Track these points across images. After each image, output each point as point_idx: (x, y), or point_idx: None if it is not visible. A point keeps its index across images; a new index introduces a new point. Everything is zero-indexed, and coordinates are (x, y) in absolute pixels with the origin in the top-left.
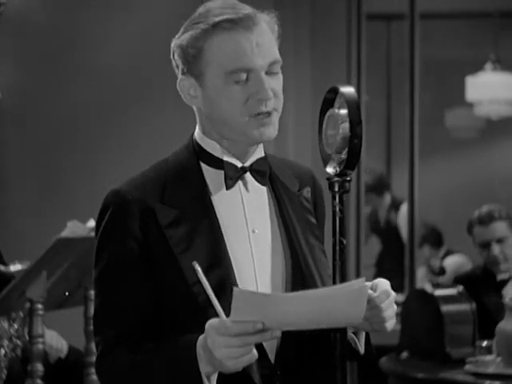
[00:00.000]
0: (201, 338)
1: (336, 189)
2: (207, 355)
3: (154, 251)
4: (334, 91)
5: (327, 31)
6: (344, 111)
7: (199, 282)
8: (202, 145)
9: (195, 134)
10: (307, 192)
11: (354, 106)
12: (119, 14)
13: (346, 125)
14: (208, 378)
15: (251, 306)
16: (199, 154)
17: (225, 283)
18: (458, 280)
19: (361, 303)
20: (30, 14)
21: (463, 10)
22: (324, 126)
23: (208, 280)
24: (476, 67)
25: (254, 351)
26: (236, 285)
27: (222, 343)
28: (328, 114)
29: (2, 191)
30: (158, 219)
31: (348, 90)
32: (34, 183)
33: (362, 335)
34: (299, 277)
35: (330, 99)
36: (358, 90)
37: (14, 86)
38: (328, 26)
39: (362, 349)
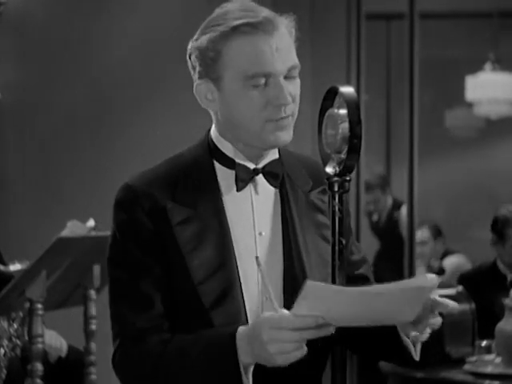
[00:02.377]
0: (241, 330)
1: (335, 189)
2: (248, 348)
3: (164, 248)
4: (334, 91)
5: (327, 31)
6: (343, 111)
7: (205, 282)
8: (217, 144)
9: (211, 131)
10: (322, 191)
11: (353, 106)
12: (119, 14)
13: (346, 125)
14: (245, 369)
15: (318, 299)
16: (213, 152)
17: (230, 285)
18: (463, 278)
19: (420, 302)
20: (29, 14)
21: (463, 10)
22: (323, 125)
23: (214, 281)
24: (475, 67)
25: (305, 347)
26: (240, 288)
27: (278, 337)
28: (327, 113)
29: (1, 190)
30: (168, 217)
31: (347, 89)
32: (34, 183)
33: (419, 342)
34: (292, 282)
35: (330, 99)
36: (358, 90)
37: (14, 85)
38: (327, 26)
39: (417, 356)
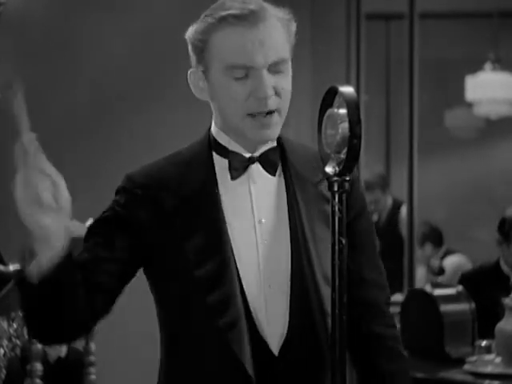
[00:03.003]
0: None
1: (335, 188)
2: None
3: (158, 237)
4: (334, 91)
5: (327, 31)
6: (343, 111)
7: (198, 267)
8: (216, 137)
9: (212, 127)
10: None
11: (353, 106)
12: (119, 14)
13: (346, 124)
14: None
15: None
16: (212, 143)
17: (223, 270)
18: (465, 277)
19: None
20: (29, 14)
21: (462, 10)
22: (323, 125)
23: (207, 264)
24: (475, 67)
25: None
26: (237, 272)
27: None
28: (327, 113)
29: (1, 190)
30: (162, 205)
31: (347, 89)
32: None
33: None
34: (299, 267)
35: (329, 99)
36: (358, 90)
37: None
38: (327, 26)
39: None
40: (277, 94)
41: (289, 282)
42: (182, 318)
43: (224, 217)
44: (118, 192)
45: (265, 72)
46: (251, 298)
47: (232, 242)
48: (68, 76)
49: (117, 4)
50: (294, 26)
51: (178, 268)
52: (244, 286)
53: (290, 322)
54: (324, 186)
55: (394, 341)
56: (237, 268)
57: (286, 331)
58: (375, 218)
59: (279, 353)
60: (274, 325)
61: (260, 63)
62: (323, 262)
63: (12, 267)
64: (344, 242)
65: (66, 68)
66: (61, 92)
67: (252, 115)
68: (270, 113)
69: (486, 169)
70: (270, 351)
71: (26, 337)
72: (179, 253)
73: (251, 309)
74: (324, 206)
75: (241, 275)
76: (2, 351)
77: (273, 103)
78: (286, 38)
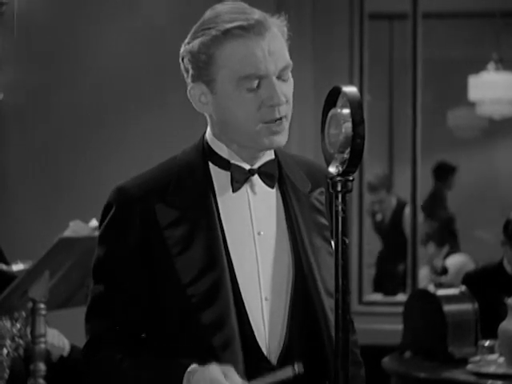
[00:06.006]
0: (191, 369)
1: (338, 188)
2: None
3: (152, 251)
4: (337, 91)
5: (330, 31)
6: (346, 111)
7: (193, 283)
8: (212, 146)
9: (207, 134)
10: (320, 193)
11: (356, 106)
12: (120, 14)
13: (349, 124)
14: None
15: None
16: (208, 154)
17: (218, 288)
18: (468, 277)
19: None
20: (31, 14)
21: (466, 10)
22: (327, 125)
23: (201, 282)
24: (478, 67)
25: None
26: (236, 288)
27: None
28: (330, 113)
29: (4, 191)
30: (157, 220)
31: (350, 89)
32: (36, 183)
33: None
34: (301, 278)
35: (333, 99)
36: (361, 90)
37: (16, 85)
38: (330, 26)
39: None
40: (285, 100)
41: (289, 293)
42: (173, 336)
43: (222, 230)
44: (110, 205)
45: (275, 80)
46: (250, 310)
47: (231, 254)
48: (69, 76)
49: (118, 5)
50: (286, 29)
51: (170, 285)
52: (243, 299)
53: (289, 332)
54: (314, 197)
55: (354, 346)
56: (236, 281)
57: (284, 342)
58: (379, 217)
59: (277, 362)
60: (272, 336)
61: (272, 71)
62: (322, 273)
63: (15, 267)
64: (347, 241)
65: (67, 68)
66: (62, 92)
67: (265, 123)
68: (280, 119)
69: (488, 168)
70: (269, 362)
71: (29, 337)
72: (171, 269)
73: (250, 321)
74: (317, 216)
75: (240, 288)
76: (6, 351)
77: (283, 110)
78: (284, 43)
